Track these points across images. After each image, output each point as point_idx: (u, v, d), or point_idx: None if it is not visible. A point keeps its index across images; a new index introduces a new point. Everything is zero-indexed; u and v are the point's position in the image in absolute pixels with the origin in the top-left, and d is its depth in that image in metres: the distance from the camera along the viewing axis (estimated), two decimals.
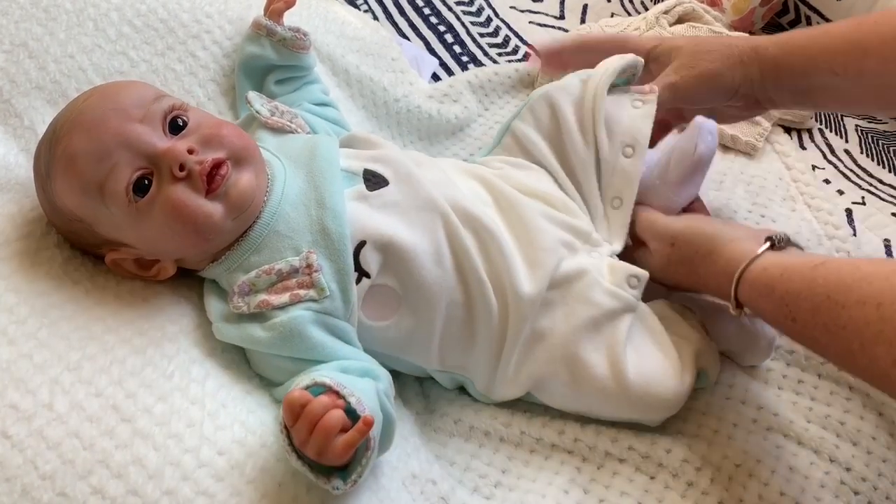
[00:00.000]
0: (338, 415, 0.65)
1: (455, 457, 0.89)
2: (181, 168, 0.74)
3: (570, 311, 0.85)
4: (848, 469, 0.87)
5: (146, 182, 0.75)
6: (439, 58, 1.42)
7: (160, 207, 0.75)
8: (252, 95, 0.92)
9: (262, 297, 0.77)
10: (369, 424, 0.65)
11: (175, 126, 0.78)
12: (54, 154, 0.76)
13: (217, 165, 0.76)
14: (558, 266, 0.86)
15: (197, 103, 0.96)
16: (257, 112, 0.90)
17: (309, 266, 0.78)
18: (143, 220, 0.76)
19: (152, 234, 0.77)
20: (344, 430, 0.66)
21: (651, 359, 0.86)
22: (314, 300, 0.77)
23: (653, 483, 0.86)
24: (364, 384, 0.73)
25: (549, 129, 0.98)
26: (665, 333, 0.88)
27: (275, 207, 0.81)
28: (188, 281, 0.84)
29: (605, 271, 0.88)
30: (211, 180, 0.76)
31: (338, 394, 0.67)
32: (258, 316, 0.77)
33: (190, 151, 0.75)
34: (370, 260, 0.81)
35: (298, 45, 0.97)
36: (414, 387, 0.95)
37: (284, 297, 0.77)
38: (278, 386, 0.78)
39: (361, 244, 0.82)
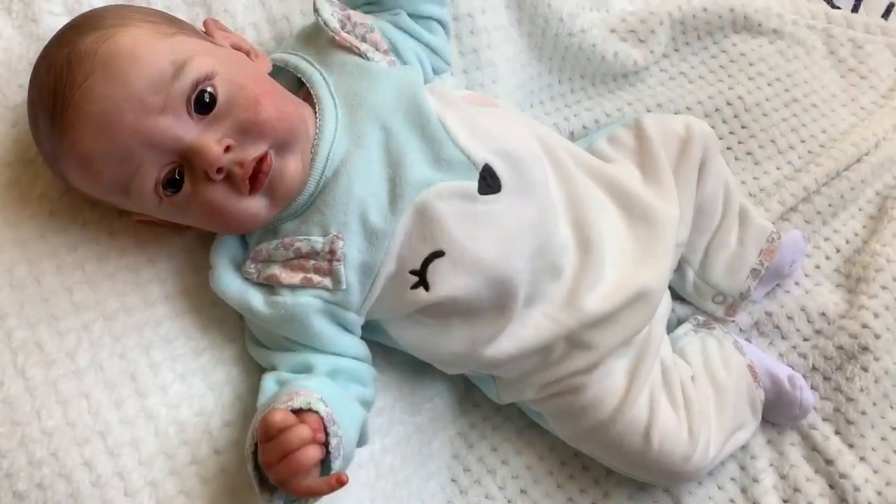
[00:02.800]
0: (314, 455, 0.62)
1: None
2: (219, 171, 0.64)
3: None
4: None
5: (177, 176, 0.66)
6: None
7: (199, 207, 0.67)
8: (321, 2, 0.75)
9: (275, 270, 0.71)
10: (341, 484, 0.61)
11: (202, 104, 0.64)
12: (62, 145, 0.64)
13: (260, 161, 0.66)
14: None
15: (235, 29, 0.80)
16: (325, 23, 0.75)
17: (332, 252, 0.70)
18: (179, 212, 0.68)
19: (190, 221, 0.70)
20: (315, 465, 0.62)
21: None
22: (328, 290, 0.71)
23: None
24: (353, 412, 0.70)
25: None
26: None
27: (318, 175, 0.71)
28: None
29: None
30: (254, 180, 0.66)
31: (325, 425, 0.64)
32: (265, 287, 0.72)
33: (227, 149, 0.64)
34: (443, 277, 0.73)
35: None
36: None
37: (296, 278, 0.71)
38: (265, 348, 0.74)
39: (437, 254, 0.72)
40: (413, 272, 0.72)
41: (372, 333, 0.79)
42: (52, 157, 0.67)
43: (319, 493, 0.61)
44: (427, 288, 0.73)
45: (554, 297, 0.79)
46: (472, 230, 0.73)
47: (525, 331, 0.78)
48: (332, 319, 0.72)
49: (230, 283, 0.72)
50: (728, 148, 1.07)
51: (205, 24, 0.74)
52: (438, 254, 0.72)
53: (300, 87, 0.76)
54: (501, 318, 0.77)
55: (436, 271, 0.72)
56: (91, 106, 0.62)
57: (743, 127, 1.07)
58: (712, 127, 1.05)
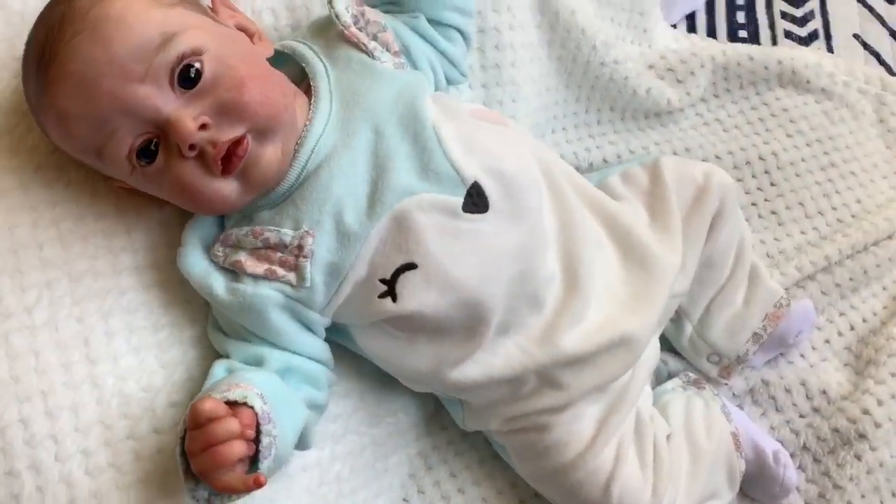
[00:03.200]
0: (238, 450, 0.60)
1: None
2: (191, 148, 0.63)
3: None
4: None
5: (152, 147, 0.65)
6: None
7: (169, 182, 0.66)
8: None
9: (241, 257, 0.70)
10: (259, 485, 0.59)
11: (186, 78, 0.63)
12: (43, 99, 0.64)
13: (235, 144, 0.65)
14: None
15: (252, 11, 0.80)
16: (337, 16, 0.73)
17: (300, 248, 0.69)
18: (150, 184, 0.68)
19: (160, 194, 0.69)
20: (239, 461, 0.60)
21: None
22: (291, 285, 0.69)
23: None
24: (296, 414, 0.67)
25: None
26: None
27: (300, 167, 0.69)
28: None
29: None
30: (227, 162, 0.65)
31: (258, 423, 0.61)
32: (229, 273, 0.70)
33: (203, 126, 0.63)
34: (412, 291, 0.70)
35: None
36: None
37: (260, 268, 0.69)
38: (223, 335, 0.72)
39: (409, 266, 0.70)
40: (383, 280, 0.70)
41: (339, 337, 0.77)
42: (35, 110, 0.67)
43: (236, 491, 0.59)
44: (395, 299, 0.70)
45: (531, 329, 0.76)
46: (450, 247, 0.70)
47: (495, 359, 0.75)
48: (293, 315, 0.71)
49: (196, 263, 0.71)
50: (753, 204, 1.02)
51: (212, 0, 0.73)
52: (411, 266, 0.70)
53: (303, 78, 0.75)
54: (470, 342, 0.74)
55: (406, 283, 0.70)
56: (73, 65, 0.62)
57: (772, 184, 1.02)
58: (739, 180, 1.02)
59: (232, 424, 0.60)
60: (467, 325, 0.73)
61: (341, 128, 0.71)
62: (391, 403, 0.85)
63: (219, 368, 0.69)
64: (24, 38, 0.73)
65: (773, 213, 1.02)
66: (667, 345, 0.93)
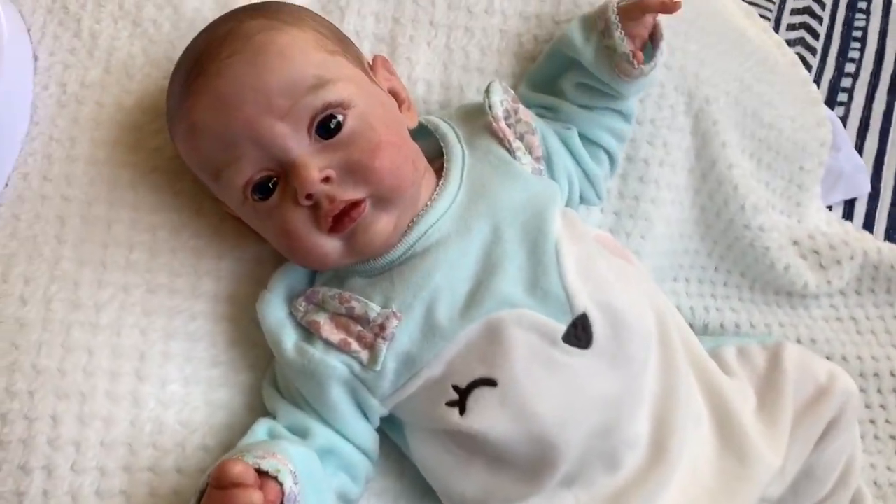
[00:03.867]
0: None
1: None
2: (308, 197, 0.61)
3: None
4: None
5: (270, 185, 0.63)
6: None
7: (276, 224, 0.63)
8: (496, 86, 0.72)
9: (321, 319, 0.66)
10: None
11: (325, 127, 0.62)
12: (181, 107, 0.64)
13: (352, 206, 0.62)
14: None
15: (408, 78, 0.78)
16: (490, 106, 0.71)
17: (382, 327, 0.64)
18: (256, 220, 0.65)
19: (263, 232, 0.66)
20: None
21: None
22: (361, 364, 0.64)
23: None
24: (323, 502, 0.62)
25: None
26: None
27: (408, 245, 0.66)
28: None
29: None
30: (338, 221, 0.62)
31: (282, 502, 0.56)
32: (304, 331, 0.66)
33: (326, 179, 0.61)
34: (484, 409, 0.64)
35: (624, 69, 0.72)
36: None
37: (336, 336, 0.65)
38: (277, 393, 0.68)
39: (488, 382, 0.64)
40: (456, 388, 0.65)
41: (391, 430, 0.71)
42: (171, 115, 0.66)
43: None
44: (463, 412, 0.64)
45: (599, 489, 0.68)
46: (537, 375, 0.64)
47: None
48: (352, 396, 0.66)
49: (274, 311, 0.67)
50: (871, 421, 0.91)
51: (374, 59, 0.72)
52: (490, 382, 0.64)
53: (438, 157, 0.72)
54: (529, 484, 0.67)
55: (479, 399, 0.64)
56: (222, 81, 0.61)
57: None
58: (862, 391, 0.92)
59: (255, 497, 0.54)
60: (532, 464, 0.66)
61: (461, 217, 0.67)
62: None
63: (261, 429, 0.64)
64: (186, 43, 0.73)
65: (893, 438, 0.91)
66: None
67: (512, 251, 0.66)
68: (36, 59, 0.75)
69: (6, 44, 0.71)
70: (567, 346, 0.65)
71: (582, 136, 0.76)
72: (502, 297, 0.64)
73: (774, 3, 1.18)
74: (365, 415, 0.67)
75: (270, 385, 0.69)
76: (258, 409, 0.69)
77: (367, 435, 0.68)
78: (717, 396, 0.75)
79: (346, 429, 0.66)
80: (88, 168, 0.70)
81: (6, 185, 0.70)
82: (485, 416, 0.64)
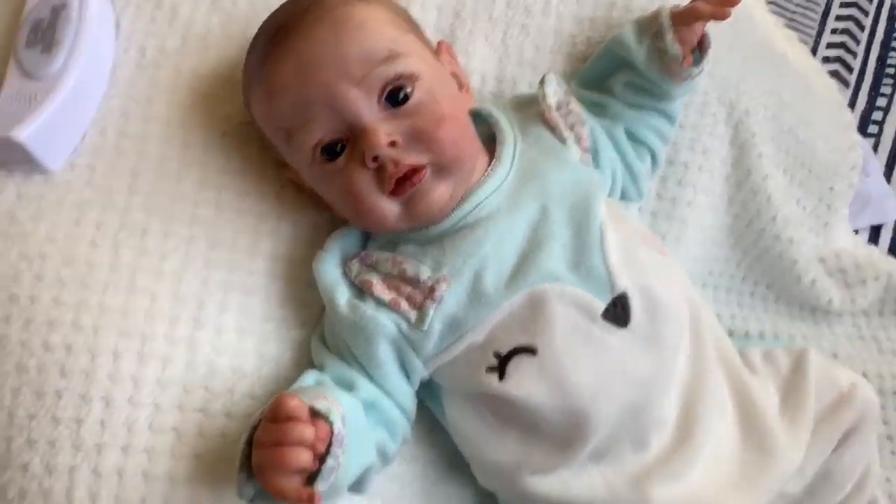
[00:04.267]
0: (304, 459, 0.57)
1: None
2: (374, 159, 0.65)
3: None
4: None
5: (337, 149, 0.67)
6: None
7: (340, 184, 0.67)
8: (550, 77, 0.76)
9: (373, 278, 0.69)
10: (311, 502, 0.56)
11: (394, 97, 0.66)
12: (261, 71, 0.68)
13: (414, 171, 0.66)
14: None
15: (465, 67, 0.81)
16: (544, 96, 0.75)
17: (432, 290, 0.67)
18: (322, 181, 0.69)
19: (326, 194, 0.70)
20: (300, 470, 0.57)
21: None
22: (409, 323, 0.68)
23: None
24: (366, 451, 0.65)
25: None
26: None
27: (461, 216, 0.69)
28: None
29: None
30: (400, 184, 0.66)
31: (330, 442, 0.59)
32: (356, 289, 0.70)
33: (392, 144, 0.65)
34: (522, 376, 0.67)
35: (674, 70, 0.75)
36: None
37: (387, 295, 0.68)
38: (325, 348, 0.71)
39: (528, 350, 0.67)
40: (496, 355, 0.68)
41: (429, 397, 0.74)
42: (249, 80, 0.71)
43: (286, 497, 0.56)
44: (502, 377, 0.68)
45: (626, 466, 0.71)
46: (575, 348, 0.67)
47: (576, 482, 0.70)
48: (398, 354, 0.69)
49: (330, 269, 0.71)
50: (888, 437, 0.93)
51: (439, 43, 0.76)
52: (531, 350, 0.67)
53: (489, 144, 0.76)
54: (560, 455, 0.69)
55: (519, 366, 0.67)
56: (303, 45, 0.65)
57: None
58: (881, 408, 0.94)
59: (308, 432, 0.57)
60: (564, 435, 0.69)
61: (510, 195, 0.71)
62: (452, 489, 0.80)
63: (309, 377, 0.67)
64: (260, 21, 0.78)
65: None
66: None
67: (558, 230, 0.70)
68: (118, 25, 0.79)
69: (93, 9, 0.76)
70: (605, 323, 0.68)
71: (628, 134, 0.80)
72: (546, 271, 0.68)
73: (811, 36, 1.22)
74: (407, 375, 0.70)
75: (319, 341, 0.72)
76: (305, 365, 0.72)
77: (407, 394, 0.70)
78: (743, 390, 0.77)
79: (389, 385, 0.69)
80: (163, 128, 0.75)
81: (83, 138, 0.74)
82: (523, 382, 0.67)
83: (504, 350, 0.68)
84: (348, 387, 0.68)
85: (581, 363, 0.67)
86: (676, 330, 0.72)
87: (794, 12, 1.25)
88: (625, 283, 0.69)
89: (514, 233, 0.69)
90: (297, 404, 0.58)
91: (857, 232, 1.09)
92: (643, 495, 0.69)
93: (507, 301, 0.67)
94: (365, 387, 0.68)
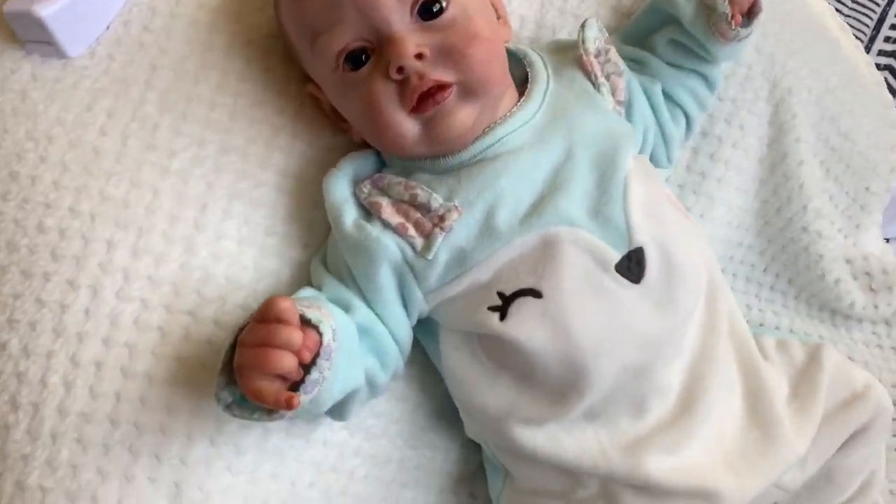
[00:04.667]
0: (287, 364, 0.54)
1: None
2: (399, 70, 0.62)
3: None
4: None
5: (363, 57, 0.64)
6: None
7: (361, 96, 0.64)
8: (592, 22, 0.73)
9: (383, 201, 0.67)
10: (290, 406, 0.53)
11: (428, 10, 0.63)
12: None
13: (439, 88, 0.63)
14: None
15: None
16: (584, 41, 0.72)
17: (441, 218, 0.65)
18: (343, 92, 0.66)
19: (345, 108, 0.68)
20: (282, 374, 0.55)
21: None
22: (414, 250, 0.65)
23: None
24: (353, 374, 0.62)
25: None
26: None
27: (482, 147, 0.66)
28: None
29: None
30: (422, 100, 0.63)
31: (318, 353, 0.56)
32: (364, 210, 0.67)
33: (419, 56, 0.62)
34: (524, 318, 0.64)
35: (722, 29, 0.71)
36: None
37: (395, 219, 0.66)
38: (324, 269, 0.68)
39: (534, 292, 0.64)
40: (500, 294, 0.65)
41: (425, 336, 0.72)
42: None
43: (264, 400, 0.54)
44: (503, 317, 0.65)
45: (621, 431, 0.68)
46: (583, 296, 0.64)
47: (568, 440, 0.67)
48: (399, 282, 0.66)
49: (340, 187, 0.68)
50: None
51: None
52: (536, 293, 0.64)
53: (522, 84, 0.73)
54: (553, 407, 0.66)
55: (522, 307, 0.64)
56: None
57: None
58: (893, 420, 0.90)
59: (295, 336, 0.55)
60: (560, 386, 0.66)
61: (537, 134, 0.68)
62: (437, 438, 0.78)
63: (306, 291, 0.65)
64: None
65: None
66: None
67: (581, 174, 0.67)
68: None
69: None
70: (618, 276, 0.65)
71: (665, 95, 0.77)
72: (564, 213, 0.65)
73: (866, 35, 1.19)
74: (406, 306, 0.68)
75: (320, 262, 0.70)
76: (302, 284, 0.69)
77: (403, 326, 0.68)
78: (753, 373, 0.74)
79: (386, 313, 0.66)
80: (188, 27, 0.72)
81: (107, 28, 0.72)
82: (524, 324, 0.64)
83: (509, 290, 0.65)
84: (345, 308, 0.65)
85: (587, 313, 0.64)
86: (692, 296, 0.69)
87: (847, 15, 1.21)
88: (643, 237, 0.66)
89: (535, 171, 0.66)
90: (288, 307, 0.55)
91: (888, 241, 1.05)
92: (636, 462, 0.66)
93: (519, 239, 0.65)
94: (361, 310, 0.65)
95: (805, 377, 0.78)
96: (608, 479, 0.67)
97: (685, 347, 0.69)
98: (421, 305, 0.68)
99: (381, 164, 0.71)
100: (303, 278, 0.70)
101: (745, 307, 0.92)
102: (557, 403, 0.66)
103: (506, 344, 0.65)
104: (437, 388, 0.75)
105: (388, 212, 0.66)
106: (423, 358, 0.74)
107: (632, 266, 0.65)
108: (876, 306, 0.94)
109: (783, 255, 0.92)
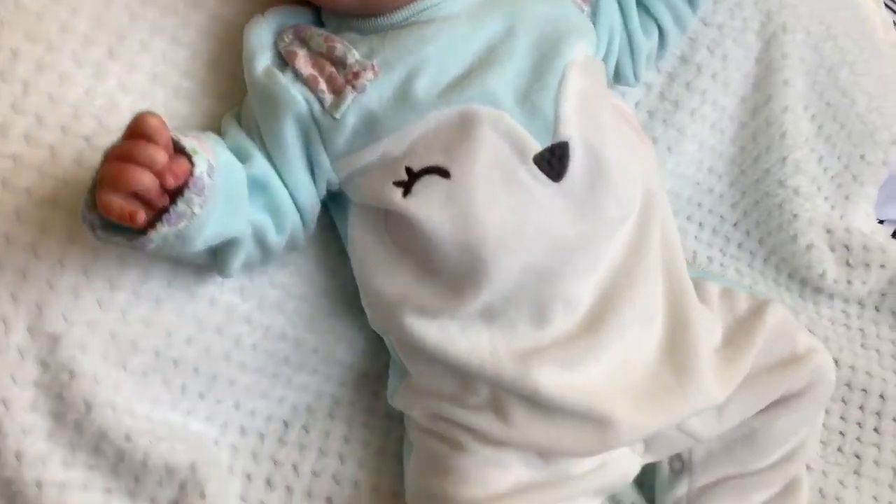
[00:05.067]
0: (144, 181, 0.50)
1: None
2: None
3: None
4: None
5: None
6: None
7: None
8: None
9: (301, 51, 0.63)
10: (133, 222, 0.50)
11: None
12: None
13: None
14: None
15: None
16: None
17: (356, 76, 0.61)
18: None
19: None
20: (143, 197, 0.51)
21: None
22: (321, 105, 0.61)
23: None
24: (234, 219, 0.58)
25: None
26: None
27: (416, 11, 0.62)
28: None
29: None
30: None
31: (187, 185, 0.52)
32: (280, 60, 0.63)
33: None
34: (428, 197, 0.60)
35: None
36: None
37: (307, 70, 0.62)
38: (235, 121, 0.65)
39: (442, 171, 0.60)
40: (408, 169, 0.61)
41: (337, 212, 0.68)
42: None
43: (110, 213, 0.50)
44: (406, 193, 0.60)
45: (517, 339, 0.63)
46: (493, 184, 0.60)
47: (460, 338, 0.63)
48: (304, 140, 0.63)
49: (261, 34, 0.64)
50: (841, 433, 0.83)
51: None
52: (444, 172, 0.60)
53: None
54: (447, 300, 0.62)
55: (427, 186, 0.60)
56: None
57: (876, 431, 0.83)
58: (843, 401, 0.84)
59: (159, 155, 0.51)
60: (458, 276, 0.61)
61: (479, 5, 0.63)
62: (342, 326, 0.74)
63: (206, 134, 0.62)
64: None
65: (857, 456, 0.83)
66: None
67: (518, 55, 0.62)
68: None
69: None
70: (535, 169, 0.60)
71: (639, 5, 0.71)
72: (489, 92, 0.60)
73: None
74: (312, 170, 0.64)
75: (232, 115, 0.66)
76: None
77: (307, 191, 0.64)
78: (679, 313, 0.68)
79: (288, 171, 0.63)
80: None
81: None
82: (426, 203, 0.60)
83: (417, 167, 0.61)
84: (243, 159, 0.62)
85: (494, 201, 0.60)
86: (618, 209, 0.63)
87: None
88: (570, 132, 0.61)
89: (467, 43, 0.62)
90: (157, 124, 0.52)
91: (882, 223, 0.98)
92: (526, 370, 0.62)
93: (436, 111, 0.60)
94: (259, 163, 0.62)
95: (741, 328, 0.72)
96: (497, 387, 0.63)
97: (602, 263, 0.64)
98: (329, 174, 0.64)
99: (319, 26, 0.68)
100: (214, 130, 0.66)
101: (707, 259, 0.87)
102: (454, 296, 0.62)
103: (407, 223, 0.61)
104: (350, 275, 0.71)
105: (303, 62, 0.62)
106: (339, 244, 0.70)
107: (553, 161, 0.61)
108: (849, 282, 0.88)
109: (756, 212, 0.86)
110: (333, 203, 0.68)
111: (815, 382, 0.72)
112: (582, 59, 0.64)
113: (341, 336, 0.74)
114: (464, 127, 0.60)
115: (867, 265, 0.88)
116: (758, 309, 0.73)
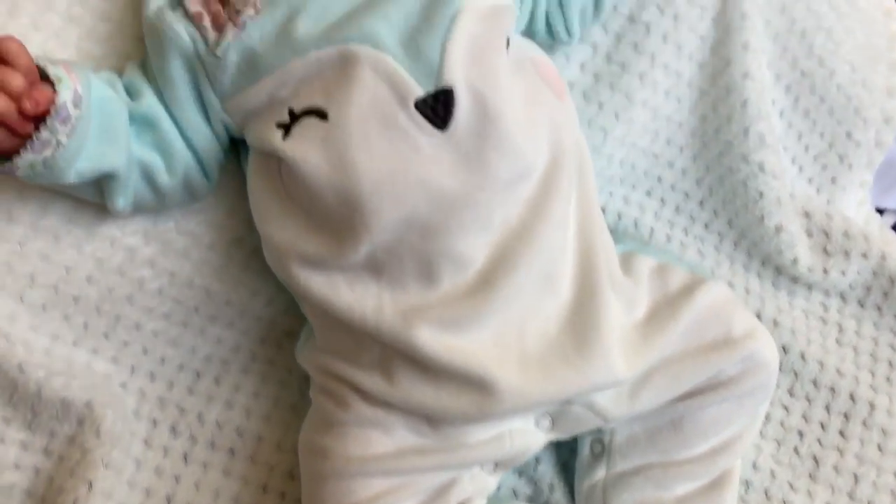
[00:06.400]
0: (3, 107, 0.52)
1: None
2: None
3: None
4: None
5: None
6: None
7: None
8: None
9: None
10: None
11: None
12: None
13: None
14: None
15: None
16: None
17: (237, 13, 0.60)
18: None
19: None
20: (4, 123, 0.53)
21: None
22: (204, 42, 0.61)
23: None
24: (112, 151, 0.59)
25: None
26: None
27: None
28: None
29: None
30: None
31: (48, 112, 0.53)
32: (177, 2, 0.63)
33: None
34: (305, 139, 0.58)
35: None
36: None
37: (194, 7, 0.62)
38: (138, 65, 0.65)
39: (320, 113, 0.58)
40: (290, 111, 0.59)
41: (244, 157, 0.67)
42: None
43: None
44: (286, 135, 0.59)
45: (406, 294, 0.61)
46: (371, 127, 0.58)
47: (346, 290, 0.61)
48: (192, 79, 0.62)
49: None
50: (800, 433, 0.76)
51: None
52: (322, 114, 0.58)
53: None
54: (331, 249, 0.60)
55: (306, 128, 0.59)
56: None
57: (841, 434, 0.76)
58: (807, 400, 0.78)
59: (15, 80, 0.52)
60: (337, 225, 0.60)
61: None
62: (260, 281, 0.73)
63: (101, 70, 0.63)
64: None
65: (815, 459, 0.75)
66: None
67: None
68: None
69: None
70: (417, 115, 0.58)
71: None
72: (371, 32, 0.58)
73: None
74: (205, 111, 0.63)
75: (136, 63, 0.67)
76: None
77: (201, 133, 0.64)
78: (588, 280, 0.64)
79: (180, 112, 0.63)
80: None
81: None
82: (303, 145, 0.58)
83: (298, 108, 0.59)
84: (133, 95, 0.62)
85: (371, 146, 0.58)
86: (512, 164, 0.60)
87: None
88: (456, 77, 0.58)
89: None
90: (16, 48, 0.53)
91: (881, 213, 0.89)
92: (407, 327, 0.59)
93: (316, 52, 0.59)
94: (149, 101, 0.62)
95: (669, 305, 0.67)
96: (384, 346, 0.61)
97: (495, 222, 0.61)
98: (222, 115, 0.63)
99: None
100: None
101: (665, 238, 0.81)
102: (337, 246, 0.60)
103: (290, 169, 0.60)
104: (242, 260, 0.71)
105: (194, 2, 0.62)
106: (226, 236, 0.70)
107: (437, 108, 0.58)
108: (826, 271, 0.80)
109: (722, 189, 0.80)
110: (244, 151, 0.67)
111: (750, 370, 0.66)
112: (483, 5, 0.61)
113: (259, 291, 0.73)
114: (343, 67, 0.58)
115: (846, 253, 0.80)
116: (690, 286, 0.68)
